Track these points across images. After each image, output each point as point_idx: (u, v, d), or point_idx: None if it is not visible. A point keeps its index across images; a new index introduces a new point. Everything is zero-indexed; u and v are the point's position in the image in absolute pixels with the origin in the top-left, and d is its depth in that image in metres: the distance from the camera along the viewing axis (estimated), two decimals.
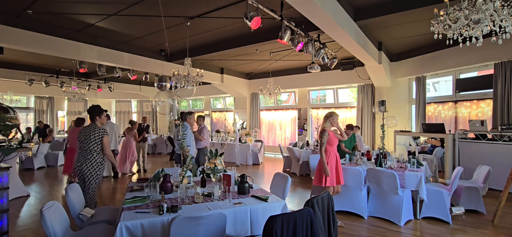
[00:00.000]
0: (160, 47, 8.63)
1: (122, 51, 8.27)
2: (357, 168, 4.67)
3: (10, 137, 3.66)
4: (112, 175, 7.75)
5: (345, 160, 5.56)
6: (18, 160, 8.67)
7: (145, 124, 9.51)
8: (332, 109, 11.44)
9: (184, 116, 6.04)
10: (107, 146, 3.91)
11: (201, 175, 3.63)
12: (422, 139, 8.84)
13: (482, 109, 7.70)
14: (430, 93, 9.06)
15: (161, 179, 3.29)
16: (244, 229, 2.74)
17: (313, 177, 6.09)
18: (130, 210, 2.65)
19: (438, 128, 7.01)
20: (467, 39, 3.49)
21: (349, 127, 6.71)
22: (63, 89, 11.27)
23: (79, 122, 7.00)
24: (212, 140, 11.46)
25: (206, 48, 8.40)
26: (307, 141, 9.28)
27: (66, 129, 14.18)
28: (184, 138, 6.90)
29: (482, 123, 6.42)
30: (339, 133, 4.47)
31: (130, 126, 8.38)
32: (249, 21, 4.40)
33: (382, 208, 4.53)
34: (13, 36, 6.21)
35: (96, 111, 4.01)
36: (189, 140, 5.78)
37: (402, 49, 8.83)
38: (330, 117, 4.35)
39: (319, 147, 4.26)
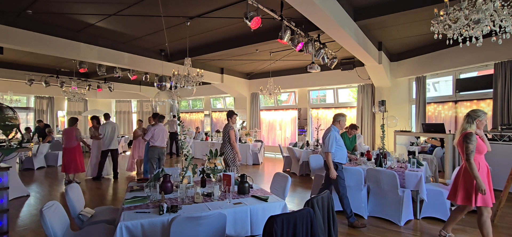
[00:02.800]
0: (160, 47, 8.63)
1: (122, 51, 8.27)
2: (357, 168, 4.67)
3: (10, 137, 3.65)
4: (112, 175, 7.75)
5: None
6: (18, 160, 8.67)
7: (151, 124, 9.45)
8: (333, 110, 11.49)
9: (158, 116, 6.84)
10: (231, 137, 5.24)
11: (201, 175, 3.64)
12: (422, 139, 8.84)
13: (482, 110, 7.69)
14: (430, 93, 9.06)
15: (161, 179, 3.29)
16: (244, 229, 2.74)
17: (313, 177, 6.10)
18: (130, 210, 2.65)
19: (438, 128, 7.01)
20: (467, 39, 3.49)
21: (353, 126, 6.56)
22: (63, 89, 11.27)
23: (72, 121, 7.25)
24: (212, 139, 11.47)
25: (206, 48, 8.40)
26: (307, 141, 9.28)
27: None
28: (184, 137, 6.97)
29: None
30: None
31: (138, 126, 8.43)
32: (249, 21, 4.40)
33: (382, 208, 4.52)
34: (13, 36, 6.20)
35: (229, 114, 5.50)
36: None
37: (402, 49, 8.83)
38: (477, 118, 3.36)
39: (465, 155, 3.23)
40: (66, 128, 7.29)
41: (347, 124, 6.90)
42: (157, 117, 7.00)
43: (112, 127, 7.48)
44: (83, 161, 7.24)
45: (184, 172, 3.38)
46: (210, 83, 12.17)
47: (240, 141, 10.15)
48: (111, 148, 7.48)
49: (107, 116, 7.86)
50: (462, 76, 8.00)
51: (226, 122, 5.54)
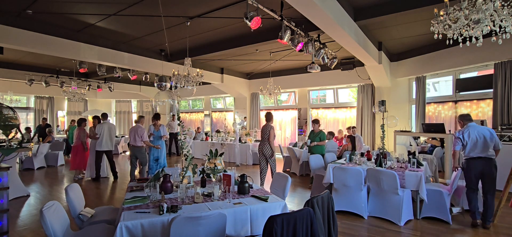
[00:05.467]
0: (160, 47, 8.63)
1: (122, 51, 8.27)
2: (357, 168, 4.67)
3: (10, 137, 3.65)
4: (111, 175, 7.75)
5: (345, 160, 5.56)
6: (18, 160, 8.67)
7: None
8: (333, 110, 11.48)
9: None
10: (270, 136, 5.86)
11: (201, 175, 3.64)
12: (422, 139, 8.84)
13: (482, 109, 7.69)
14: (430, 93, 9.06)
15: (161, 179, 3.29)
16: (244, 229, 2.74)
17: (313, 177, 6.10)
18: (130, 210, 2.65)
19: (438, 128, 7.01)
20: (467, 39, 3.48)
21: (315, 121, 6.96)
22: (63, 89, 11.27)
23: (79, 122, 7.68)
24: (212, 139, 11.47)
25: (206, 48, 8.40)
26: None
27: (66, 129, 14.18)
28: (184, 137, 6.97)
29: (482, 123, 6.41)
30: None
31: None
32: (249, 21, 4.40)
33: (382, 208, 4.52)
34: (13, 36, 6.20)
35: (269, 116, 6.09)
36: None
37: (402, 49, 8.82)
38: None
39: None
40: (77, 127, 7.73)
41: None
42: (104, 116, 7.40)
43: (108, 128, 7.47)
44: (84, 159, 7.55)
45: (184, 172, 3.38)
46: (210, 83, 12.17)
47: (240, 141, 10.16)
48: (105, 149, 7.41)
49: (104, 116, 7.81)
50: (462, 76, 8.00)
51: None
